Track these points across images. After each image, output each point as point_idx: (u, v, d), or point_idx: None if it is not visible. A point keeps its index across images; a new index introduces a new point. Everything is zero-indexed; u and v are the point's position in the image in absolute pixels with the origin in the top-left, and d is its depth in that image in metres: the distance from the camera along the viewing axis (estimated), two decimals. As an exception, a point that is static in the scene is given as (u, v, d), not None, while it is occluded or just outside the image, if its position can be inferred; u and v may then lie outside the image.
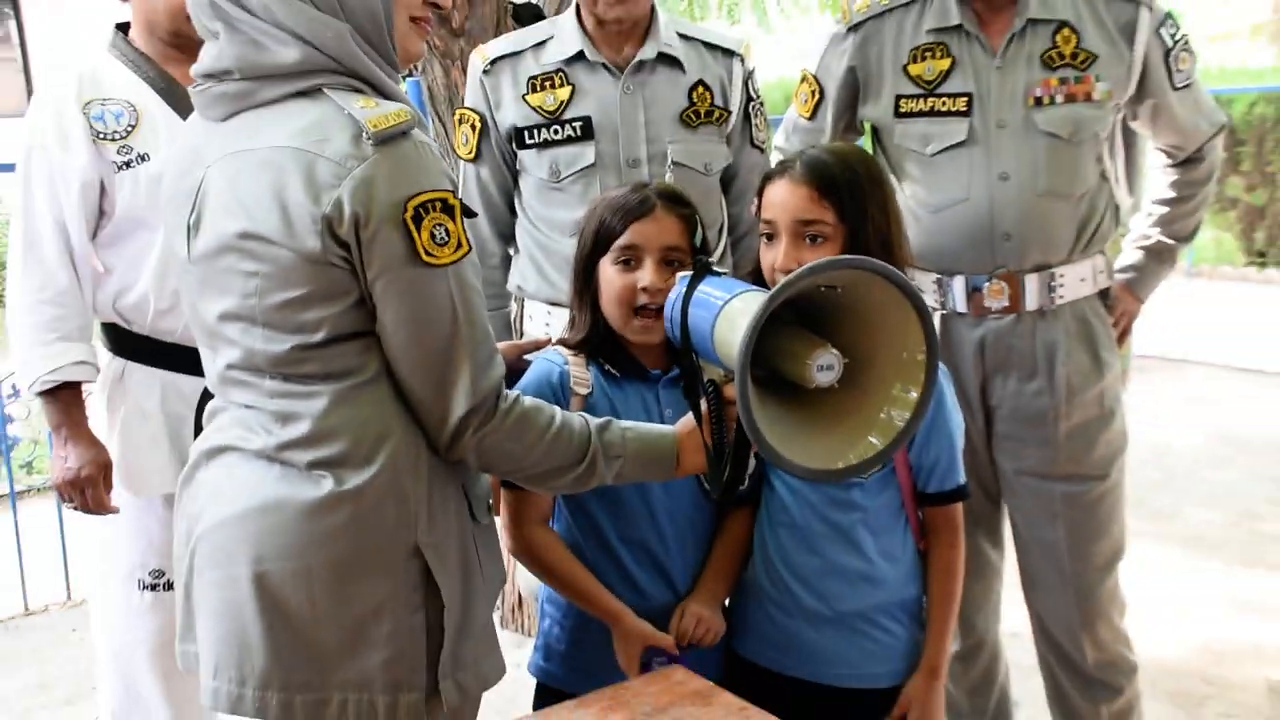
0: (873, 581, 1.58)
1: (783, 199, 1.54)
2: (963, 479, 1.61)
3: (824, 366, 1.25)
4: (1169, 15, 2.00)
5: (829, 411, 1.30)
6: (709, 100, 2.05)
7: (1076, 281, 2.00)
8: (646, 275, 1.54)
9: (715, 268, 1.42)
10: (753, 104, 2.13)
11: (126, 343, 2.00)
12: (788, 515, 1.59)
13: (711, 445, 1.37)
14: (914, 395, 1.28)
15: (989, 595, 2.23)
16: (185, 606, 1.37)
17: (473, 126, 2.09)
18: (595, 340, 1.60)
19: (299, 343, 1.24)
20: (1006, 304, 1.98)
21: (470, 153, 2.10)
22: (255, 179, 1.23)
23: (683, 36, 2.07)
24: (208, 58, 1.28)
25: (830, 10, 8.88)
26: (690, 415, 1.41)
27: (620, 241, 1.56)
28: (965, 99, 1.96)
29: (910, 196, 2.03)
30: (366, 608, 1.27)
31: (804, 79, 2.17)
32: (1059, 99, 1.94)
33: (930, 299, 2.04)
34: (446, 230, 1.22)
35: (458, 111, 2.16)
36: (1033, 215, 1.94)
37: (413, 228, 1.20)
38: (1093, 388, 2.01)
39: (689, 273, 1.42)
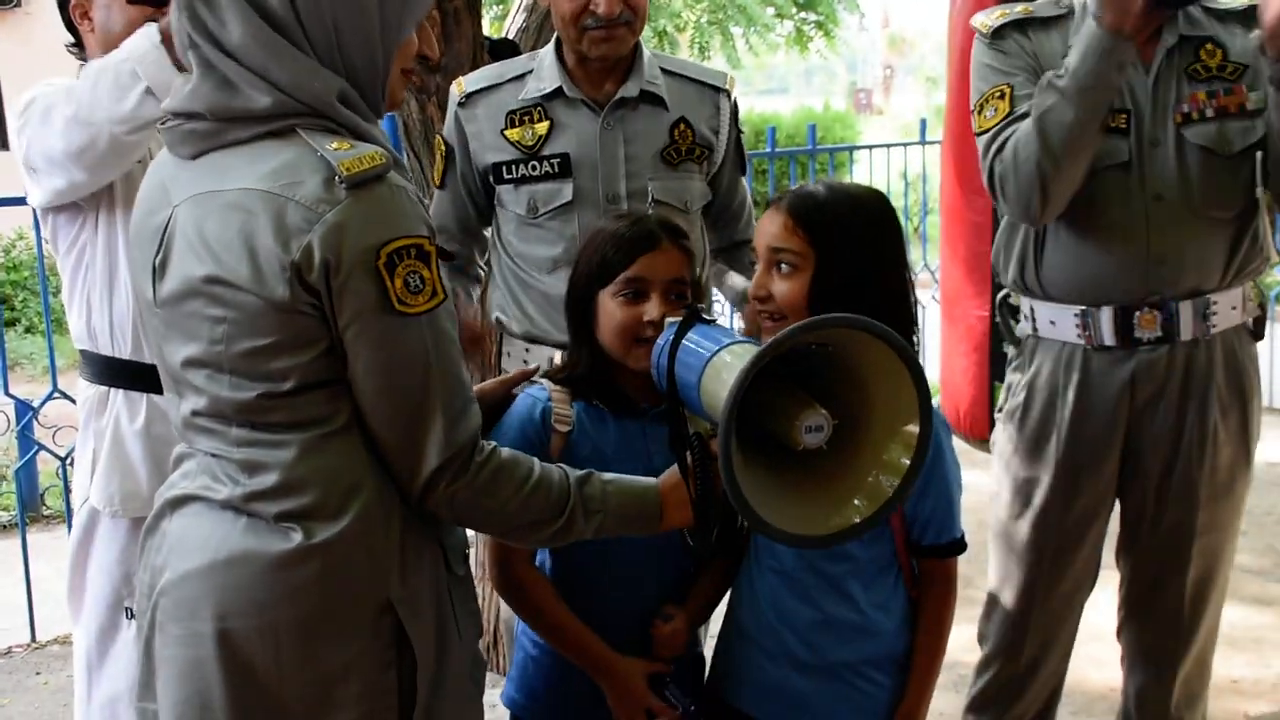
0: (865, 633, 1.54)
1: (763, 226, 1.54)
2: (959, 533, 1.57)
3: (812, 428, 1.21)
4: None
5: (819, 471, 1.26)
6: (690, 138, 2.04)
7: (1229, 309, 1.91)
8: (654, 308, 1.51)
9: (704, 315, 1.39)
10: (741, 135, 2.14)
11: (107, 369, 1.97)
12: (777, 561, 1.55)
13: (696, 500, 1.33)
14: (905, 461, 1.24)
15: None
16: (145, 663, 1.31)
17: (443, 155, 2.09)
18: (587, 375, 1.56)
19: (266, 390, 1.20)
20: (1159, 334, 1.89)
21: (437, 180, 2.11)
22: (223, 222, 1.18)
23: (666, 72, 2.06)
24: (180, 97, 1.24)
25: (799, 48, 8.92)
26: (676, 468, 1.37)
27: (626, 274, 1.52)
28: (1125, 116, 1.88)
29: (1060, 220, 1.95)
30: (335, 666, 1.22)
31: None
32: (1209, 113, 1.86)
33: (1072, 334, 1.96)
34: (421, 278, 1.19)
35: (435, 138, 2.18)
36: (1188, 236, 1.86)
37: (385, 275, 1.16)
38: (1238, 426, 1.93)
39: (677, 319, 1.39)
